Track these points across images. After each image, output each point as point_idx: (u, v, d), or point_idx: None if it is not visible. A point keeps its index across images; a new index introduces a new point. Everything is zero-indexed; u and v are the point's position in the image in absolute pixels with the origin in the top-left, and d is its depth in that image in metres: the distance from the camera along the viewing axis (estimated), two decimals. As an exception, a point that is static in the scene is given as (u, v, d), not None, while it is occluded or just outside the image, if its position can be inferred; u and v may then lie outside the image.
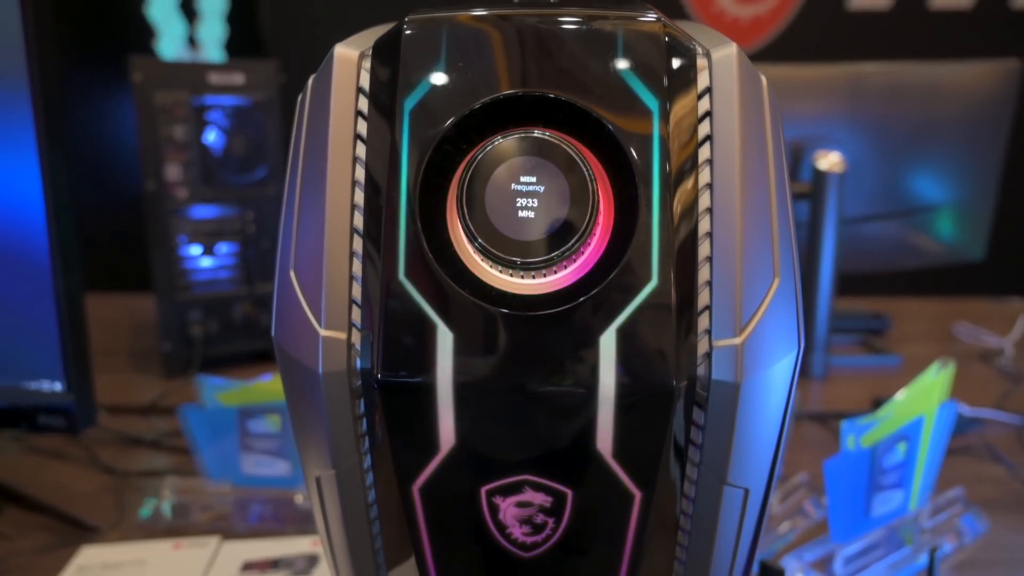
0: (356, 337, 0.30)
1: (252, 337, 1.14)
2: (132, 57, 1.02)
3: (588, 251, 0.30)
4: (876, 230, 1.22)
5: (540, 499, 0.31)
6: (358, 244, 0.30)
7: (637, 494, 0.31)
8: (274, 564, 0.67)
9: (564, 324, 0.29)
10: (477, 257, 0.30)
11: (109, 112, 2.24)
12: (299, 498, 0.74)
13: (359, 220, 0.30)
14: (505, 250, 0.28)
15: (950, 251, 1.25)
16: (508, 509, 0.31)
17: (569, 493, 0.31)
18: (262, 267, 1.13)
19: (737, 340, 0.29)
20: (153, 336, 1.18)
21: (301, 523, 0.73)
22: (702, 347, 0.29)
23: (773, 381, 0.31)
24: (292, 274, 0.32)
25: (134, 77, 1.01)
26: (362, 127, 0.31)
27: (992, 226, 1.23)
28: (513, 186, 0.28)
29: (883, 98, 1.16)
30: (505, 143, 0.28)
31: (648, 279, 0.29)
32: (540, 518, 0.31)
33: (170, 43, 2.11)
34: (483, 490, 0.31)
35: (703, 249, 0.29)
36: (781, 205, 0.31)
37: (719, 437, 0.30)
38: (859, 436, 0.65)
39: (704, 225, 0.29)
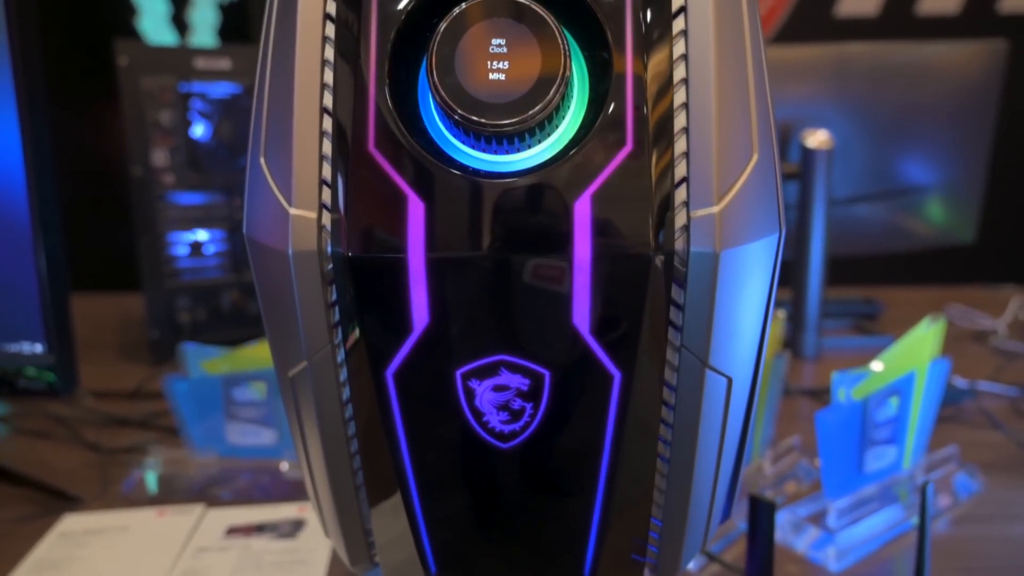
0: (327, 219, 0.29)
1: (240, 325, 1.13)
2: (118, 40, 1.01)
3: (563, 126, 0.29)
4: (866, 212, 1.22)
5: (517, 382, 0.30)
6: (328, 123, 0.30)
7: (616, 375, 0.30)
8: (259, 528, 0.65)
9: (537, 191, 0.28)
10: (450, 133, 0.29)
11: (98, 119, 2.24)
12: (284, 465, 0.73)
13: (329, 99, 0.30)
14: (477, 113, 0.27)
15: (940, 233, 1.25)
16: (484, 394, 0.30)
17: (546, 374, 0.30)
18: (250, 254, 1.12)
19: (715, 209, 0.28)
20: (140, 330, 1.17)
21: (287, 492, 0.72)
22: (680, 220, 0.29)
23: (753, 259, 0.30)
24: (262, 160, 0.31)
25: (119, 61, 1.01)
26: (331, 7, 0.30)
27: (982, 208, 1.23)
28: (483, 49, 0.28)
29: (870, 78, 1.16)
30: (475, 6, 0.28)
31: (622, 144, 0.28)
32: (517, 403, 0.31)
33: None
34: (458, 373, 0.30)
35: (679, 120, 0.29)
36: (759, 84, 0.31)
37: (699, 315, 0.30)
38: (850, 388, 0.65)
39: (680, 96, 0.29)
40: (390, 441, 0.32)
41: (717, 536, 0.63)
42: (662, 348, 0.30)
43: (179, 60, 1.06)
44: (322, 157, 0.30)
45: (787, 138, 1.15)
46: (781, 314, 0.78)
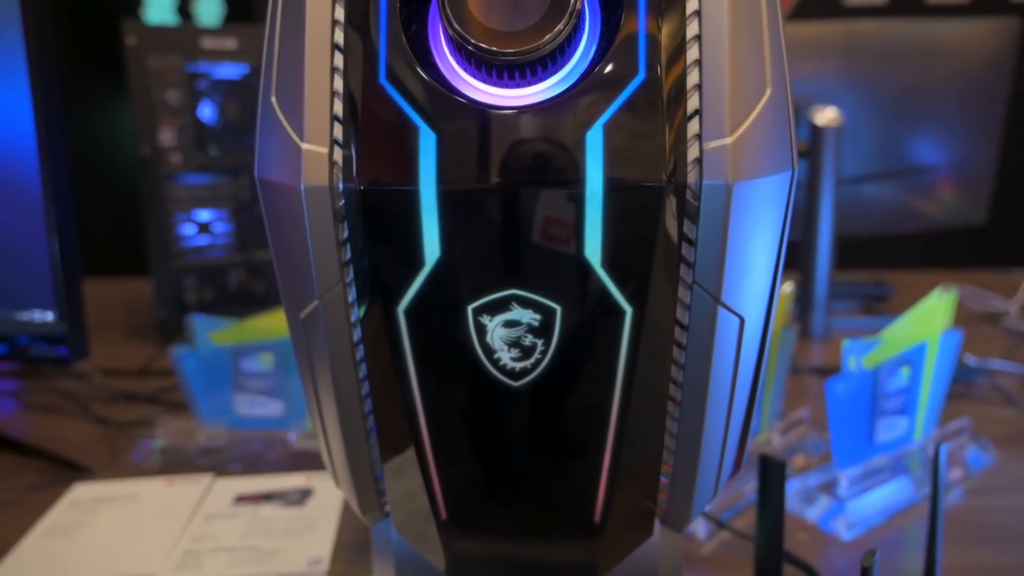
0: (338, 155, 0.29)
1: (247, 304, 1.13)
2: (125, 21, 1.01)
3: (575, 59, 0.29)
4: (876, 192, 1.21)
5: (528, 317, 0.30)
6: (339, 60, 0.30)
7: (628, 310, 0.30)
8: (267, 497, 0.65)
9: (550, 121, 0.28)
10: (461, 68, 0.29)
11: (109, 113, 2.24)
12: (292, 436, 0.73)
13: (340, 36, 0.30)
14: (488, 43, 0.27)
15: (951, 214, 1.24)
16: (496, 330, 0.30)
17: (558, 309, 0.30)
18: (256, 234, 1.13)
19: (728, 140, 0.28)
20: (148, 312, 1.17)
21: (295, 463, 0.72)
22: (692, 153, 0.28)
23: (766, 194, 0.30)
24: (273, 100, 0.31)
25: (127, 40, 1.01)
26: (342, -57, 0.30)
27: (993, 189, 1.22)
28: (495, -21, 0.28)
29: (880, 56, 1.16)
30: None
31: (635, 73, 0.28)
32: (529, 340, 0.30)
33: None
34: (470, 308, 0.30)
35: (691, 53, 0.29)
36: (772, 22, 0.31)
37: (711, 250, 0.29)
38: (860, 357, 0.64)
39: (692, 28, 0.29)
40: (401, 382, 0.32)
41: (727, 504, 0.63)
42: (674, 284, 0.30)
43: (186, 40, 1.06)
44: (333, 93, 0.29)
45: (796, 116, 1.14)
46: (789, 287, 0.77)
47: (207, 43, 1.06)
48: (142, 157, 1.05)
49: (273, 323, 0.74)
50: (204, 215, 1.10)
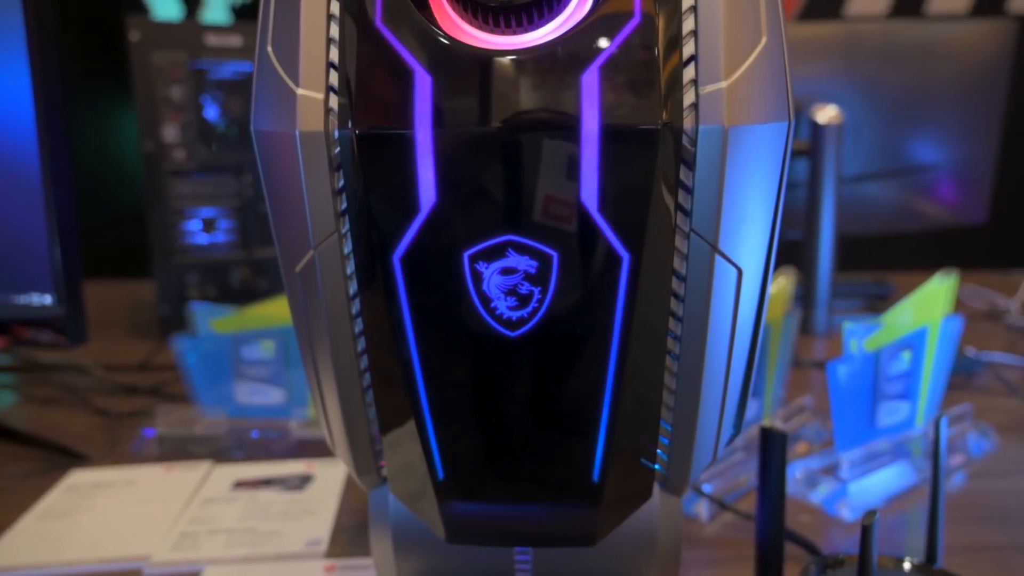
0: (334, 101, 0.29)
1: (249, 301, 1.13)
2: (129, 16, 1.02)
3: (570, 7, 0.29)
4: (876, 191, 1.21)
5: (525, 264, 0.30)
6: (335, 7, 0.30)
7: (625, 257, 0.30)
8: (266, 482, 0.65)
9: (545, 63, 0.28)
10: (457, 16, 0.29)
11: (113, 125, 2.24)
12: (293, 424, 0.72)
13: (336, -15, 0.30)
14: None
15: (951, 213, 1.24)
16: (492, 277, 0.30)
17: (554, 256, 0.30)
18: (260, 231, 1.13)
19: (723, 84, 0.28)
20: (149, 311, 1.17)
21: (296, 451, 0.72)
22: (688, 99, 0.28)
23: (762, 143, 0.30)
24: (269, 49, 0.31)
25: (131, 36, 1.02)
26: None
27: (994, 188, 1.22)
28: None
29: (880, 56, 1.16)
30: None
31: (630, 17, 0.28)
32: (525, 288, 0.30)
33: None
34: (466, 255, 0.30)
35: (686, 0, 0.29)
36: (767, -27, 0.31)
37: (708, 196, 0.29)
38: (862, 339, 0.64)
39: (687, -26, 0.29)
40: (396, 333, 0.32)
41: (729, 489, 0.63)
42: (671, 232, 0.30)
43: (190, 36, 1.06)
44: (329, 40, 0.30)
45: (797, 115, 1.14)
46: (787, 281, 0.77)
47: (212, 40, 1.07)
48: (145, 153, 1.05)
49: (274, 311, 0.74)
50: (207, 212, 1.10)
